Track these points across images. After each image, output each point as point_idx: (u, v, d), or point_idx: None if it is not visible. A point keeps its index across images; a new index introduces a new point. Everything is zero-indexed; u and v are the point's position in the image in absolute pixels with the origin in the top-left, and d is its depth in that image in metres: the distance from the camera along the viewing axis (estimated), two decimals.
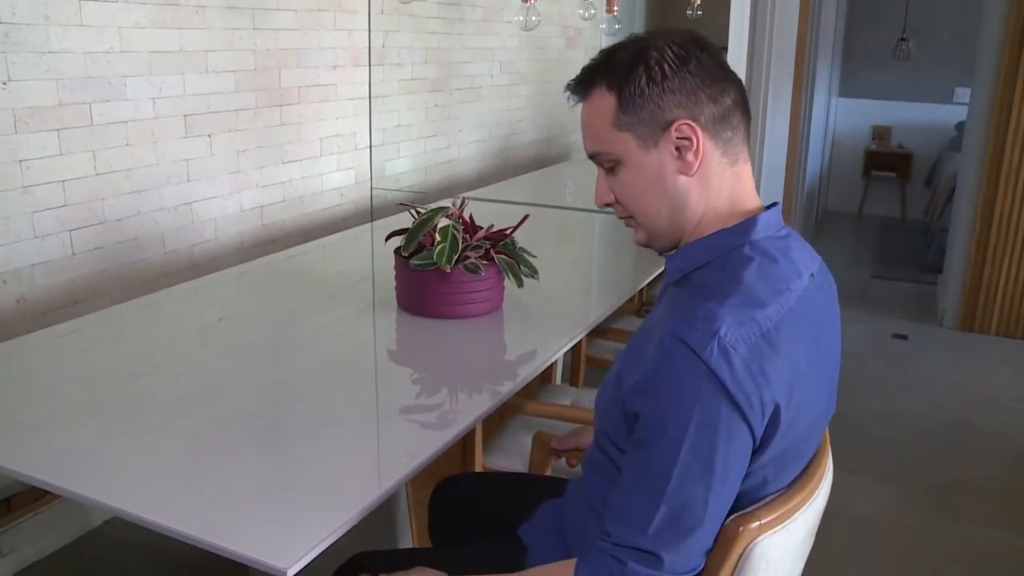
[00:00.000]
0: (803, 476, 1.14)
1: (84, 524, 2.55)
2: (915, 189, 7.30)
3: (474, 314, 1.99)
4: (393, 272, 2.05)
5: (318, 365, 1.78)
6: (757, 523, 1.05)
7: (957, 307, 4.61)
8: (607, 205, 1.22)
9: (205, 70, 2.73)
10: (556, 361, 2.88)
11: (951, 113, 6.94)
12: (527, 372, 1.74)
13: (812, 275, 1.14)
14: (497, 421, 2.16)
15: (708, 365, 0.99)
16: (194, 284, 2.31)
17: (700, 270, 1.14)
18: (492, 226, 2.04)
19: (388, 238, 2.08)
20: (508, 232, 2.04)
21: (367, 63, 3.47)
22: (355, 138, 3.49)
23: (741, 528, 1.04)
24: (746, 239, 1.12)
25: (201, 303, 2.19)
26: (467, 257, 1.91)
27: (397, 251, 1.99)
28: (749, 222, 1.13)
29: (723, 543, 1.06)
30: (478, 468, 1.97)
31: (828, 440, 1.23)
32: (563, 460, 1.79)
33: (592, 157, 1.20)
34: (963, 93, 6.43)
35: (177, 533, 1.23)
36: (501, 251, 1.98)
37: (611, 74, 1.13)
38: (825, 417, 1.19)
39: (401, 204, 2.32)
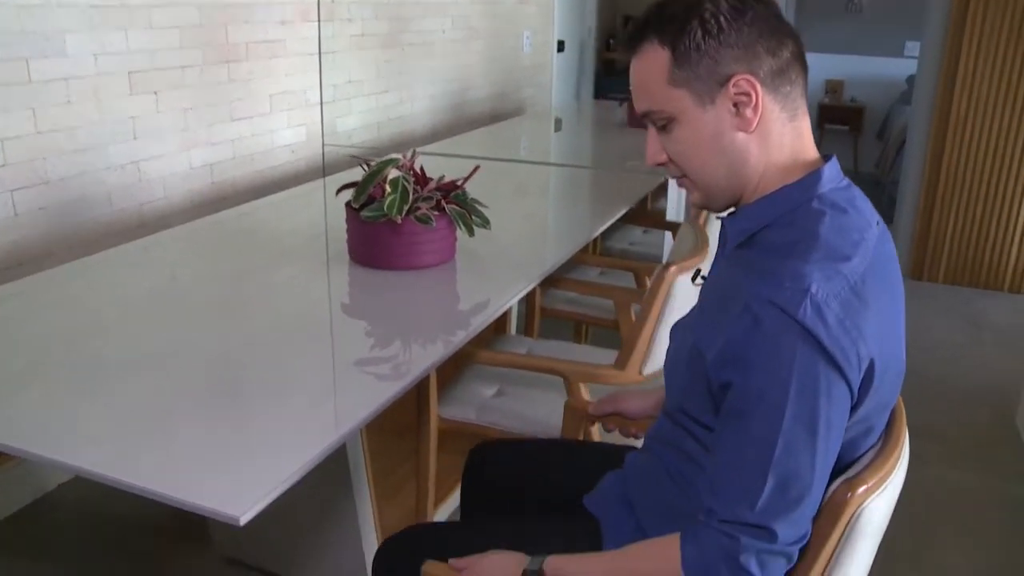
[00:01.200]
0: (891, 433, 1.10)
1: (38, 487, 2.52)
2: (867, 142, 7.38)
3: (426, 265, 1.99)
4: (345, 226, 2.04)
5: (272, 321, 1.77)
6: (864, 487, 1.00)
7: (907, 256, 4.69)
8: (659, 165, 1.18)
9: (149, 26, 2.67)
10: (510, 311, 2.90)
11: (902, 67, 7.01)
12: (480, 321, 1.74)
13: (878, 223, 1.11)
14: (452, 371, 2.17)
15: (803, 325, 0.96)
16: (143, 243, 2.28)
17: (767, 229, 1.09)
18: (443, 177, 2.03)
19: (339, 191, 2.06)
20: (459, 183, 2.03)
21: (316, 19, 3.40)
22: (305, 95, 3.43)
23: (849, 494, 0.99)
24: (813, 193, 1.08)
25: (151, 262, 2.16)
26: (418, 208, 1.90)
27: (348, 204, 1.98)
28: (814, 175, 1.09)
29: (831, 510, 1.01)
30: (433, 418, 1.98)
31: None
32: (597, 425, 1.76)
33: (644, 115, 1.15)
34: (913, 47, 6.50)
35: (133, 487, 1.21)
36: (452, 201, 1.97)
37: (664, 28, 1.08)
38: (903, 368, 1.14)
39: (353, 157, 2.29)
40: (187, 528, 2.36)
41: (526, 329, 2.69)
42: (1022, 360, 3.68)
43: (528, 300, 2.67)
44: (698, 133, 1.10)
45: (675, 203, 3.24)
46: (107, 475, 1.22)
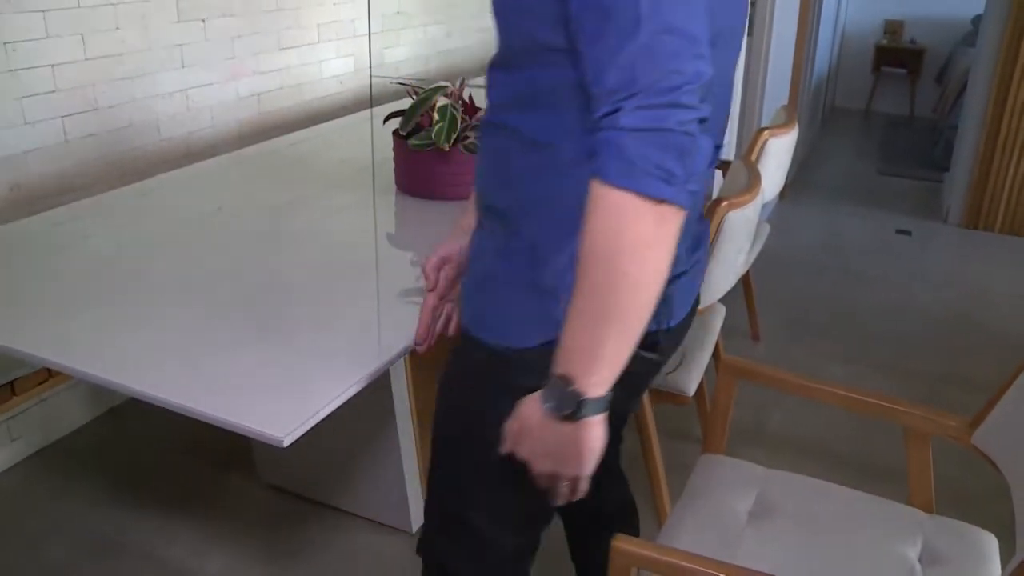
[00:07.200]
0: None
1: (91, 411, 2.58)
2: (925, 85, 7.14)
3: None
4: (392, 156, 2.02)
5: (318, 250, 1.77)
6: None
7: (962, 204, 4.56)
8: None
9: None
10: None
11: (967, 6, 6.74)
12: None
13: None
14: None
15: None
16: (191, 170, 2.28)
17: None
18: None
19: (387, 119, 2.04)
20: None
21: None
22: (354, 25, 3.39)
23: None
24: None
25: (200, 190, 2.16)
26: (466, 137, 1.87)
27: (395, 132, 1.95)
28: None
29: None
30: None
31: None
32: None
33: None
34: None
35: (180, 408, 1.23)
36: None
37: None
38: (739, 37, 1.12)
39: (400, 83, 2.26)
40: (232, 454, 2.40)
41: None
42: None
43: None
44: None
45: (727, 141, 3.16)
46: (154, 395, 1.25)
